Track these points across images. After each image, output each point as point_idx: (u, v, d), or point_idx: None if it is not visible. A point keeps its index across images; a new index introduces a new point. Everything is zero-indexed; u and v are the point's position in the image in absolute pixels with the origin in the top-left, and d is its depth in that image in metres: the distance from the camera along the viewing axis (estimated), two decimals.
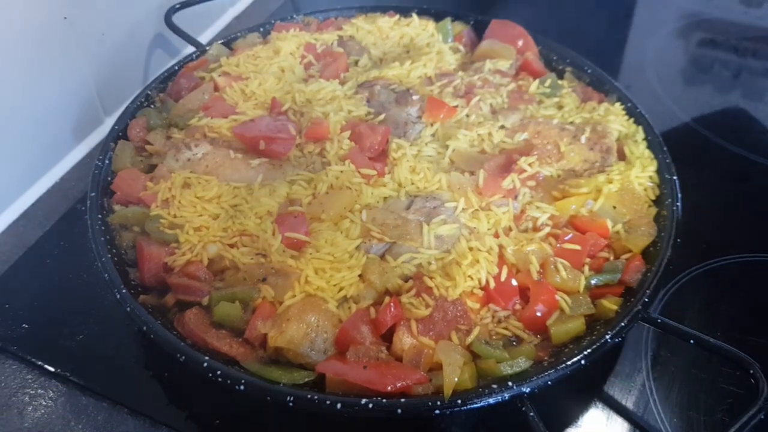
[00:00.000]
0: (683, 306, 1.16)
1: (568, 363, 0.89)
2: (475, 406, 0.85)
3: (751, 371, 0.89)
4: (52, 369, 1.05)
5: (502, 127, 1.25)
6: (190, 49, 1.52)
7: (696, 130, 1.55)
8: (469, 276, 0.99)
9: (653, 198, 1.15)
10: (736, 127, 1.58)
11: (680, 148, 1.25)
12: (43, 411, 1.02)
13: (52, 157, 1.39)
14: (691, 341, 0.95)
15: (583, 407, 1.02)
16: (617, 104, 1.30)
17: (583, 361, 0.89)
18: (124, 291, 0.97)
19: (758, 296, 1.18)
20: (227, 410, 1.00)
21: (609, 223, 1.07)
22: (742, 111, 1.64)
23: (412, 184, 1.14)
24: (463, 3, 1.80)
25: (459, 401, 0.84)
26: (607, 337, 0.91)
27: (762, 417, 0.86)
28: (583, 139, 1.19)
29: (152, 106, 1.33)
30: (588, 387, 1.05)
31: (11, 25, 1.21)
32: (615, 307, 0.98)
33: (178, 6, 1.56)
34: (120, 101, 1.45)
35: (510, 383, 0.86)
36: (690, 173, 1.20)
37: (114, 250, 1.05)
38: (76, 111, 1.42)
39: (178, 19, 1.54)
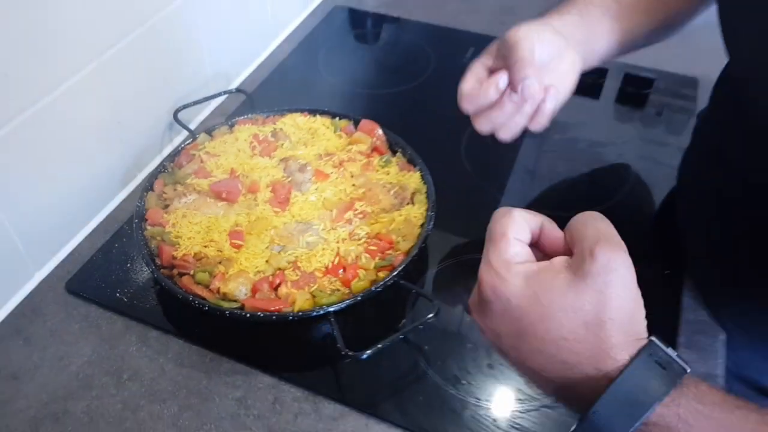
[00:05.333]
0: (450, 284, 1.55)
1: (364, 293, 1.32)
2: (310, 316, 1.30)
3: None
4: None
5: (353, 185, 1.64)
6: (185, 133, 1.76)
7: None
8: (319, 261, 1.45)
9: (421, 223, 1.64)
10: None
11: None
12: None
13: (108, 198, 1.71)
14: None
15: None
16: (417, 173, 1.91)
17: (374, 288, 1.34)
18: (153, 268, 1.41)
19: None
20: (202, 322, 1.41)
21: (394, 237, 1.49)
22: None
23: (300, 216, 1.56)
24: (349, 106, 2.00)
25: (300, 313, 1.30)
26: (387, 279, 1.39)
27: None
28: (392, 192, 1.75)
29: (166, 171, 1.71)
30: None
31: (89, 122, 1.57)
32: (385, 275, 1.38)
33: (181, 107, 2.02)
34: (147, 169, 1.88)
35: (325, 307, 1.29)
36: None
37: (147, 249, 1.48)
38: (120, 173, 1.78)
39: (180, 115, 1.84)
